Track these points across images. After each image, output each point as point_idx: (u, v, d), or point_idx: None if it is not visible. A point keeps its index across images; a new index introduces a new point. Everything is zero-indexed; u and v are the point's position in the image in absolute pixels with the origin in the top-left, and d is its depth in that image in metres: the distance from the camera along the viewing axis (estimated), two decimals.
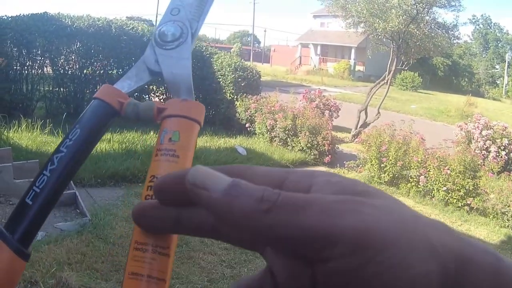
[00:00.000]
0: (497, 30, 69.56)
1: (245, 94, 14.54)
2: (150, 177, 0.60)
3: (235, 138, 13.54)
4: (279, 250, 0.41)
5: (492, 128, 14.67)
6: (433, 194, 10.09)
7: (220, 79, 15.13)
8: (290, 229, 0.37)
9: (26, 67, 13.46)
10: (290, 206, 0.38)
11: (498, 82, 64.08)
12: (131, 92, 0.74)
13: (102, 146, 10.43)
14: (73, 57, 14.18)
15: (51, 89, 14.13)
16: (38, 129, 10.77)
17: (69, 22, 13.57)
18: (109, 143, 10.84)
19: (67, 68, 14.11)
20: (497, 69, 65.35)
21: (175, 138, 0.62)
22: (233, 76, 14.79)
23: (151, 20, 58.81)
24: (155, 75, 0.75)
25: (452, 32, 16.32)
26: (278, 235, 0.38)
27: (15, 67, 13.20)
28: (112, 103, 0.69)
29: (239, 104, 14.43)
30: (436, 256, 0.37)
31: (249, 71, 15.30)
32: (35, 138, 10.38)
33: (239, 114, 14.36)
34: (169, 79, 0.74)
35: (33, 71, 13.65)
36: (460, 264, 0.37)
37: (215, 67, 15.36)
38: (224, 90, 15.02)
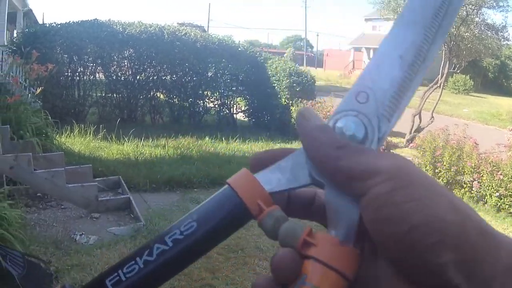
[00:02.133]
0: None
1: (300, 99, 14.33)
2: None
3: (291, 143, 13.28)
4: (337, 184, 0.50)
5: None
6: (486, 200, 9.69)
7: (275, 84, 14.99)
8: (350, 162, 0.48)
9: (77, 74, 13.56)
10: (353, 148, 0.49)
11: None
12: (278, 192, 0.54)
13: (157, 151, 10.37)
14: (125, 63, 14.26)
15: (103, 95, 14.24)
16: (91, 135, 10.75)
17: (121, 28, 13.62)
18: (164, 148, 10.76)
19: (119, 74, 14.19)
20: None
21: None
22: (287, 81, 14.62)
23: (203, 26, 59.40)
24: (316, 183, 0.53)
25: (502, 33, 15.96)
26: (341, 166, 0.48)
27: (66, 74, 13.28)
28: (249, 204, 0.52)
29: (294, 109, 14.15)
30: (454, 210, 0.44)
31: (303, 76, 15.12)
32: (88, 143, 10.35)
33: (294, 119, 14.00)
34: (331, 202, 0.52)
35: (84, 77, 13.73)
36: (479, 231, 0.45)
37: (269, 72, 15.24)
38: (279, 95, 14.86)
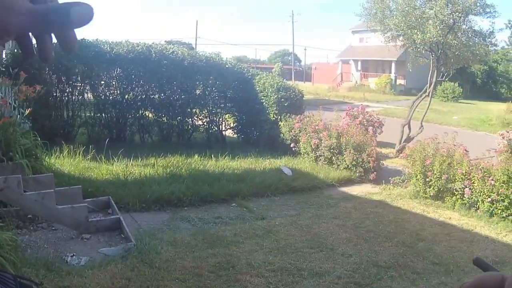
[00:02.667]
0: None
1: (288, 114, 14.31)
2: None
3: (280, 158, 13.31)
4: None
5: None
6: (478, 206, 9.78)
7: (263, 100, 14.99)
8: None
9: (66, 94, 13.56)
10: None
11: None
12: None
13: (146, 170, 10.39)
14: (113, 82, 14.27)
15: (92, 115, 14.24)
16: (81, 155, 10.75)
17: (108, 48, 13.63)
18: (153, 167, 10.78)
19: (108, 94, 14.21)
20: None
21: None
22: (276, 96, 14.63)
23: (190, 44, 59.50)
24: None
25: (489, 39, 16.02)
26: None
27: (55, 94, 13.30)
28: None
29: (283, 124, 14.19)
30: None
31: (291, 90, 15.11)
32: (78, 164, 10.36)
33: (284, 135, 14.10)
34: None
35: (73, 98, 13.74)
36: None
37: (257, 88, 15.25)
38: (267, 111, 14.86)
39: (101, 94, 14.13)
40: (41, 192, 6.59)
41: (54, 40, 0.80)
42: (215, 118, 16.21)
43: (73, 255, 5.90)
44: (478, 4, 14.73)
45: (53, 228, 6.85)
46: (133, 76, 14.45)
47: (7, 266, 4.84)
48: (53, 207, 6.58)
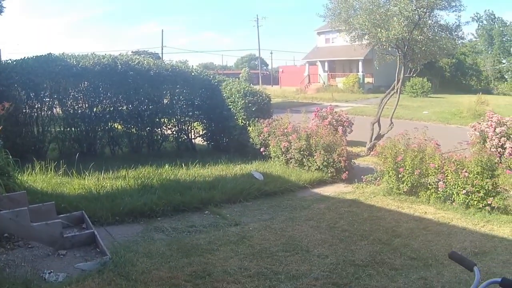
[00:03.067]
0: (501, 25, 69.37)
1: (257, 119, 14.45)
2: None
3: (251, 163, 13.41)
4: None
5: (506, 124, 14.46)
6: (453, 199, 9.92)
7: (231, 106, 15.10)
8: None
9: (35, 110, 13.53)
10: None
11: (506, 76, 63.86)
12: None
13: (117, 183, 10.40)
14: (81, 96, 14.24)
15: (62, 129, 14.19)
16: (52, 171, 10.75)
17: (74, 61, 13.62)
18: (124, 179, 10.79)
19: (76, 108, 14.17)
20: (504, 63, 65.19)
21: None
22: (243, 101, 14.75)
23: (157, 53, 59.34)
24: None
25: (456, 33, 16.13)
26: None
27: (24, 110, 13.25)
28: None
29: (252, 129, 14.33)
30: None
31: (258, 95, 15.22)
32: (50, 180, 10.35)
33: (253, 139, 14.23)
34: None
35: (42, 113, 13.71)
36: None
37: (224, 95, 15.36)
38: (235, 117, 14.96)
39: (69, 109, 14.09)
40: (15, 210, 6.63)
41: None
42: (184, 126, 16.28)
43: (51, 272, 5.96)
44: None
45: (29, 246, 6.89)
46: (100, 89, 14.47)
47: None
48: (27, 224, 6.64)
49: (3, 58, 13.58)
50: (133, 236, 7.82)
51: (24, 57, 13.52)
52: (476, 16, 69.87)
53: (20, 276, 5.74)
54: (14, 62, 13.29)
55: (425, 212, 9.49)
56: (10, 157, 8.75)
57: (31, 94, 13.35)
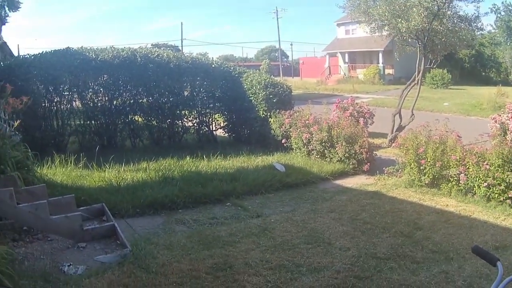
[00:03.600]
0: None
1: (278, 110, 14.34)
2: None
3: (272, 155, 13.30)
4: None
5: None
6: (475, 191, 9.74)
7: (252, 98, 14.99)
8: None
9: (54, 103, 13.55)
10: None
11: None
12: None
13: (138, 175, 10.37)
14: (101, 89, 14.24)
15: (82, 123, 14.21)
16: (72, 164, 10.73)
17: (93, 55, 13.60)
18: (145, 171, 10.75)
19: (96, 101, 14.18)
20: None
21: None
22: (264, 93, 14.62)
23: (177, 46, 59.53)
24: None
25: (475, 24, 15.97)
26: None
27: (43, 104, 13.28)
28: None
29: (273, 121, 14.21)
30: None
31: (279, 86, 15.09)
32: (70, 172, 10.34)
33: (274, 131, 14.12)
34: None
35: (62, 107, 13.73)
36: None
37: (245, 86, 15.25)
38: (256, 108, 14.86)
39: (89, 102, 14.11)
40: (34, 204, 6.59)
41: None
42: (204, 118, 16.21)
43: (70, 264, 5.89)
44: None
45: (48, 239, 6.83)
46: (120, 82, 14.45)
47: (4, 280, 4.84)
48: (47, 217, 6.58)
49: (21, 53, 13.58)
50: (154, 228, 7.75)
51: (42, 52, 13.52)
52: (494, 7, 69.01)
53: (39, 269, 5.70)
54: (32, 57, 13.30)
55: (447, 205, 9.32)
56: (29, 150, 8.70)
57: (50, 88, 13.37)
